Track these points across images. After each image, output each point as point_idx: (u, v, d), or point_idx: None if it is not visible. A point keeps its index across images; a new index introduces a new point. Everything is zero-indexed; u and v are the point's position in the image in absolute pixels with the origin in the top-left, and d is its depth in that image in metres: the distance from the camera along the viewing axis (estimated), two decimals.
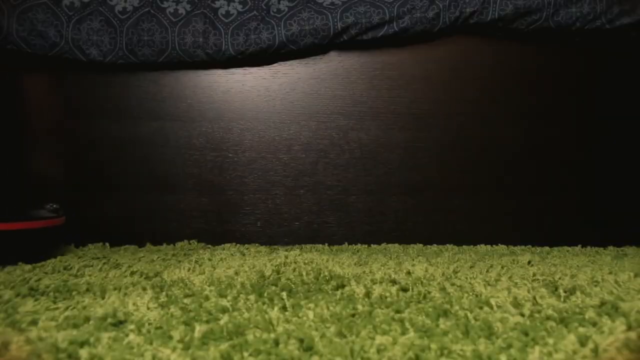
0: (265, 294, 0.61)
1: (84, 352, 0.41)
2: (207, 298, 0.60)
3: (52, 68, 1.12)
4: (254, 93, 1.16)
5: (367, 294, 0.61)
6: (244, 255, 0.93)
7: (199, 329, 0.47)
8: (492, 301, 0.57)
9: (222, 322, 0.49)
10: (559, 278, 0.72)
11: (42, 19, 1.06)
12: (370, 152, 1.16)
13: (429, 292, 0.62)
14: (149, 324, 0.50)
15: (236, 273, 0.74)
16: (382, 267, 0.81)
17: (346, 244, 1.14)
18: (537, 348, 0.42)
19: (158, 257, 0.93)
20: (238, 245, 1.10)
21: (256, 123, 1.16)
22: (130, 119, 1.14)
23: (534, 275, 0.75)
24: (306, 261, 0.86)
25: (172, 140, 1.15)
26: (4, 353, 0.40)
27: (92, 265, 0.84)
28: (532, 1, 1.09)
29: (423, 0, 1.09)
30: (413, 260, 0.90)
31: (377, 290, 0.62)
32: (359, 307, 0.56)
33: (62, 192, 1.13)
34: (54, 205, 0.97)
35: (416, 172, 1.16)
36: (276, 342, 0.44)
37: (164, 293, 0.62)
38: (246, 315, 0.53)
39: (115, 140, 1.14)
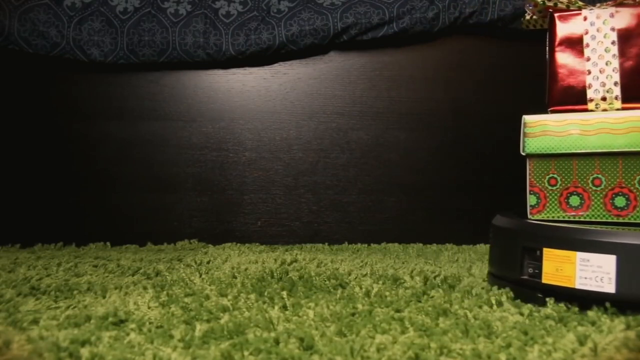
0: (266, 293, 0.61)
1: (85, 351, 0.41)
2: (207, 297, 0.60)
3: (53, 68, 1.12)
4: (254, 93, 1.16)
5: (367, 293, 0.61)
6: (244, 254, 0.93)
7: (199, 328, 0.47)
8: (492, 300, 0.57)
9: (222, 321, 0.50)
10: None
11: (43, 19, 1.06)
12: (370, 152, 1.16)
13: (429, 291, 0.62)
14: (150, 323, 0.50)
15: (237, 272, 0.75)
16: (382, 267, 0.81)
17: (346, 243, 1.14)
18: (536, 347, 0.42)
19: (159, 257, 0.93)
20: (238, 244, 1.10)
21: (256, 123, 1.16)
22: (131, 119, 1.15)
23: None
24: (306, 260, 0.86)
25: (173, 140, 1.15)
26: (5, 352, 0.40)
27: (93, 265, 0.84)
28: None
29: (423, 1, 1.09)
30: (413, 259, 0.90)
31: (376, 289, 0.63)
32: (359, 306, 0.56)
33: (63, 191, 1.13)
34: None
35: (416, 172, 1.16)
36: (276, 341, 0.44)
37: (164, 292, 0.62)
38: (247, 314, 0.53)
39: (115, 140, 1.14)
